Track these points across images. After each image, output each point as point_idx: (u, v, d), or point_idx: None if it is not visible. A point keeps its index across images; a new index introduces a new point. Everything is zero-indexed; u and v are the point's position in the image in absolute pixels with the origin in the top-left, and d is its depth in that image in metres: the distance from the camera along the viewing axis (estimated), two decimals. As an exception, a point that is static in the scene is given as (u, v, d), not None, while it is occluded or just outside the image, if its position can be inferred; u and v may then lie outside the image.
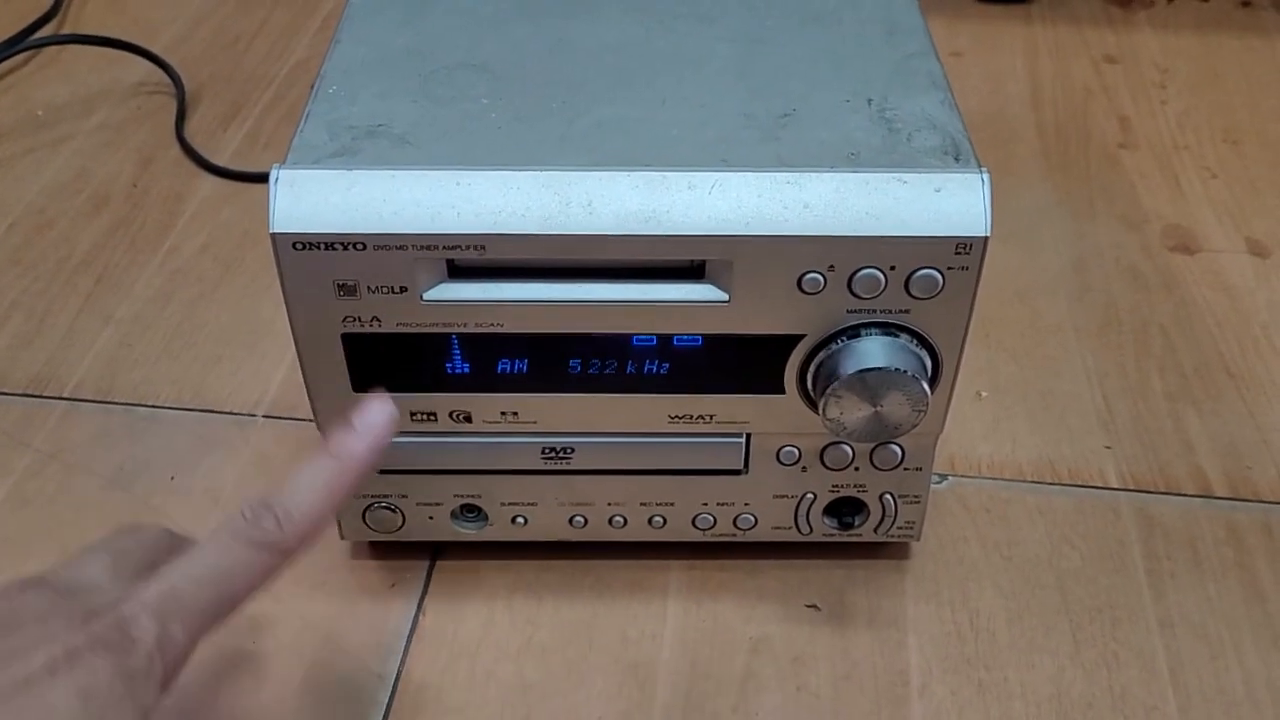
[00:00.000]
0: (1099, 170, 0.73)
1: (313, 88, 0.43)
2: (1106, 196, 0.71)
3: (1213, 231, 0.68)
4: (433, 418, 0.44)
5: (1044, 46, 0.85)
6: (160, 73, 0.78)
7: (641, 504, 0.47)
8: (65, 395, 0.57)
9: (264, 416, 0.56)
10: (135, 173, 0.71)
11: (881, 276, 0.39)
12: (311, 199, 0.38)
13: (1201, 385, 0.58)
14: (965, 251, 0.39)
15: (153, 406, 0.57)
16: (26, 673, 0.28)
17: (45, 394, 0.57)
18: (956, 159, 0.40)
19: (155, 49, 0.78)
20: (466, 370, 0.42)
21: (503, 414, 0.44)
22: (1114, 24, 0.88)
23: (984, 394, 0.58)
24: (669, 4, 0.48)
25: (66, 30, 0.83)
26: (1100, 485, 0.54)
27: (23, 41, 0.79)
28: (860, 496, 0.47)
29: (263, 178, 0.70)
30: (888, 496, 0.47)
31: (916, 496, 0.47)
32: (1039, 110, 0.78)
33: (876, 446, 0.45)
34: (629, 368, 0.42)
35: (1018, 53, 0.84)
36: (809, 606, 0.48)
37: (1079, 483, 0.54)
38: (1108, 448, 0.55)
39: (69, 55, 0.81)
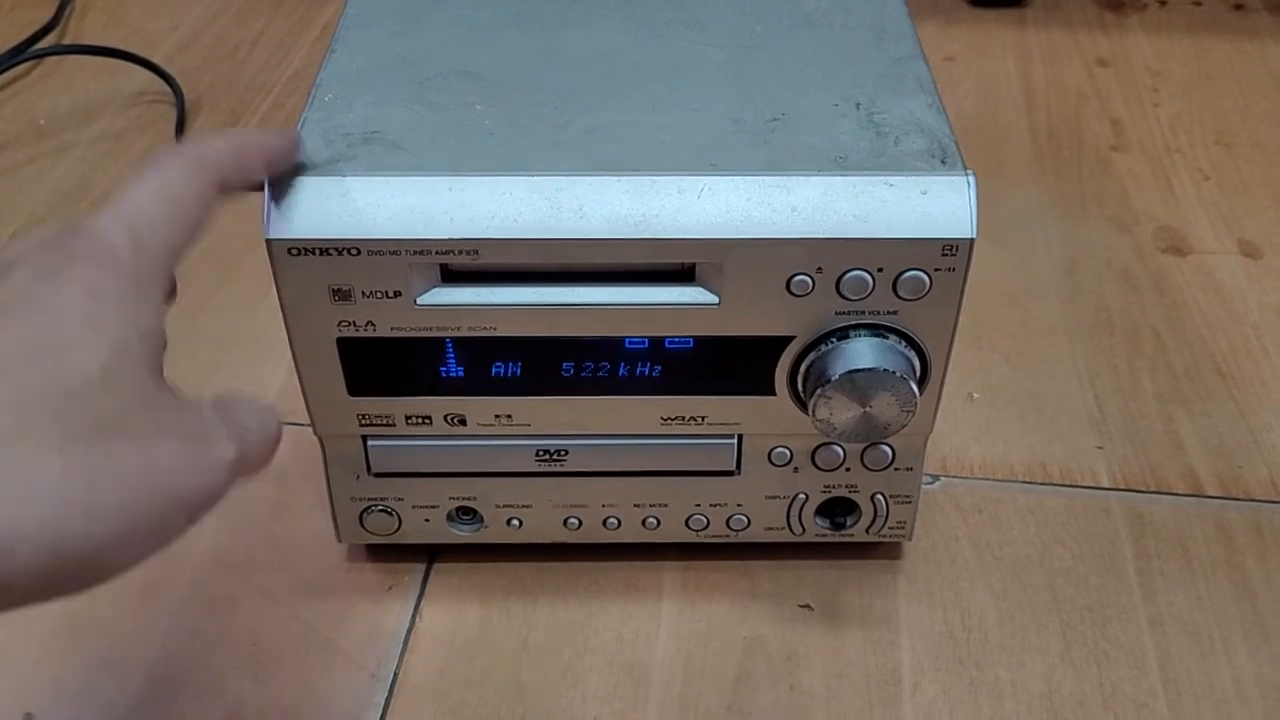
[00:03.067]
0: (1091, 173, 0.73)
1: (309, 96, 0.43)
2: (1098, 199, 0.71)
3: (1204, 233, 0.69)
4: (428, 421, 0.44)
5: (1037, 50, 0.86)
6: (160, 82, 0.78)
7: (635, 505, 0.47)
8: (66, 401, 0.58)
9: (263, 421, 0.57)
10: (135, 181, 0.72)
11: (869, 278, 0.40)
12: (306, 205, 0.39)
13: (1192, 386, 0.59)
14: (952, 253, 0.39)
15: (152, 412, 0.57)
16: (16, 288, 0.28)
17: (46, 400, 0.58)
18: (943, 162, 0.40)
19: (155, 58, 0.79)
20: (460, 374, 0.43)
21: (497, 417, 0.44)
22: (1106, 28, 0.89)
23: (976, 395, 0.58)
24: (660, 12, 0.49)
25: (67, 41, 0.84)
26: (1092, 485, 0.54)
27: (24, 52, 0.80)
28: (852, 497, 0.47)
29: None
30: (879, 497, 0.47)
31: (908, 496, 0.47)
32: (1032, 114, 0.79)
33: (867, 447, 0.46)
34: (621, 370, 0.43)
35: (1010, 57, 0.85)
36: (802, 606, 0.49)
37: (1070, 483, 0.54)
38: (1099, 448, 0.56)
39: (70, 65, 0.81)
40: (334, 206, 0.39)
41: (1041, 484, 0.54)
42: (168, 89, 0.78)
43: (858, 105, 0.43)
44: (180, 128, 0.75)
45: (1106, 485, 0.54)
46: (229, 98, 0.79)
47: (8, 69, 0.79)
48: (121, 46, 0.78)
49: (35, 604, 0.25)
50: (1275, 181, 0.73)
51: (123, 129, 0.76)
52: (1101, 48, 0.86)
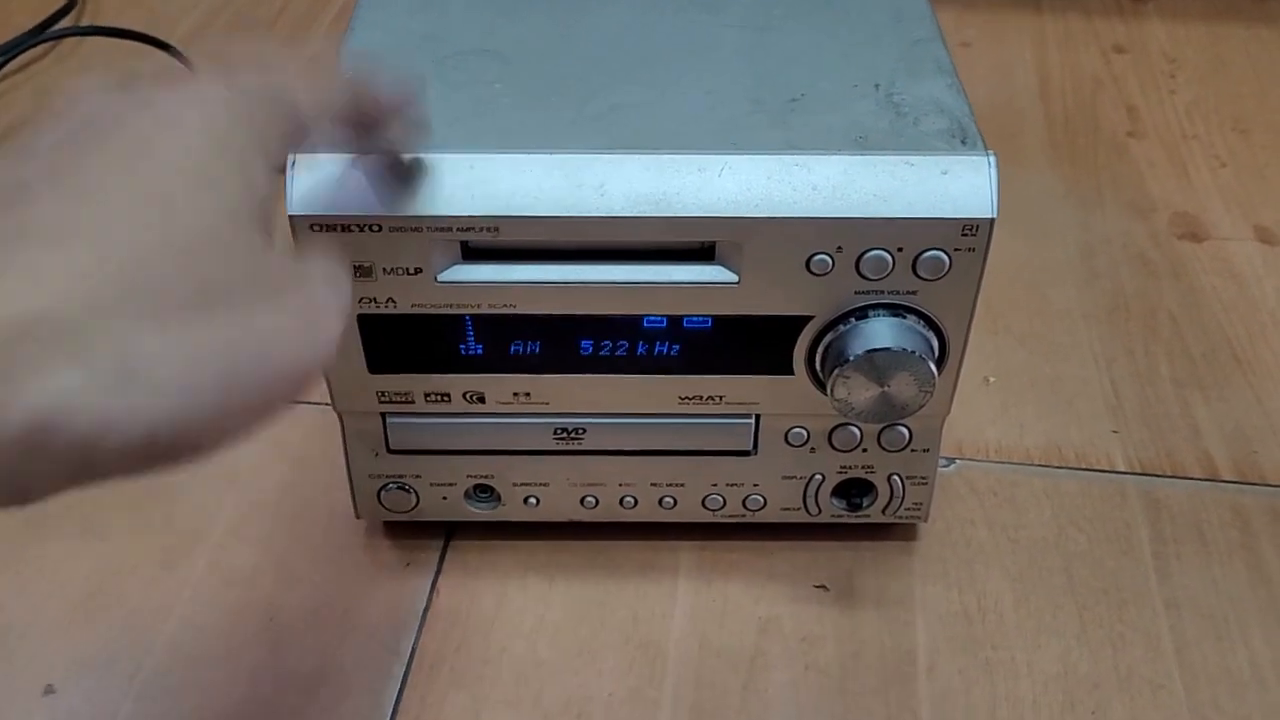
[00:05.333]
0: (1107, 159, 0.73)
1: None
2: (1115, 185, 0.71)
3: (1221, 219, 0.69)
4: (446, 398, 0.44)
5: (1053, 37, 0.85)
6: (178, 64, 0.78)
7: (652, 484, 0.48)
8: (85, 380, 0.58)
9: (280, 401, 0.57)
10: (152, 162, 0.72)
11: (889, 258, 0.40)
12: (328, 181, 0.39)
13: (1209, 371, 0.59)
14: (972, 233, 0.39)
15: (171, 391, 0.57)
16: (140, 132, 0.26)
17: (65, 378, 0.58)
18: (963, 142, 0.40)
19: (173, 40, 0.79)
20: (480, 351, 0.43)
21: (515, 395, 0.44)
22: (1123, 14, 0.88)
23: (992, 379, 0.58)
24: (679, -9, 0.49)
25: (85, 22, 0.84)
26: (1107, 469, 0.54)
27: (42, 34, 0.80)
28: (868, 478, 0.47)
29: (278, 167, 0.71)
30: (895, 478, 0.47)
31: (924, 478, 0.47)
32: (1048, 100, 0.79)
33: (884, 428, 0.46)
34: (640, 349, 0.43)
35: (1026, 43, 0.84)
36: (818, 587, 0.49)
37: (1086, 466, 0.54)
38: (1115, 432, 0.56)
39: (88, 47, 0.82)
40: (355, 183, 0.39)
41: (1057, 467, 0.54)
42: (186, 71, 0.78)
43: (877, 86, 0.43)
44: (197, 110, 0.75)
45: (1122, 469, 0.54)
46: (245, 80, 0.79)
47: (25, 50, 0.79)
48: (139, 28, 0.79)
49: (125, 479, 0.24)
50: (1293, 168, 0.73)
51: (140, 111, 0.76)
52: (1118, 34, 0.86)
